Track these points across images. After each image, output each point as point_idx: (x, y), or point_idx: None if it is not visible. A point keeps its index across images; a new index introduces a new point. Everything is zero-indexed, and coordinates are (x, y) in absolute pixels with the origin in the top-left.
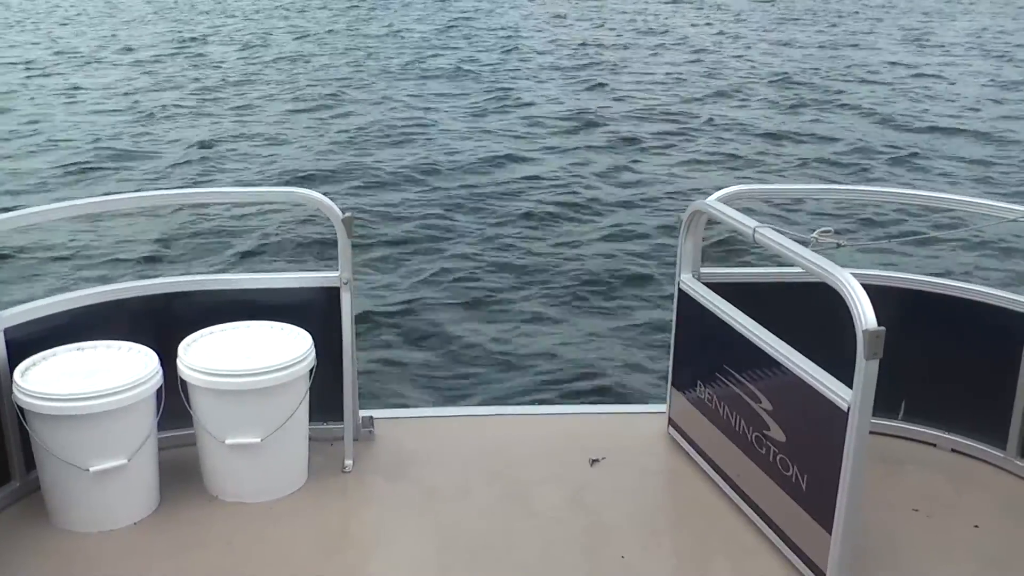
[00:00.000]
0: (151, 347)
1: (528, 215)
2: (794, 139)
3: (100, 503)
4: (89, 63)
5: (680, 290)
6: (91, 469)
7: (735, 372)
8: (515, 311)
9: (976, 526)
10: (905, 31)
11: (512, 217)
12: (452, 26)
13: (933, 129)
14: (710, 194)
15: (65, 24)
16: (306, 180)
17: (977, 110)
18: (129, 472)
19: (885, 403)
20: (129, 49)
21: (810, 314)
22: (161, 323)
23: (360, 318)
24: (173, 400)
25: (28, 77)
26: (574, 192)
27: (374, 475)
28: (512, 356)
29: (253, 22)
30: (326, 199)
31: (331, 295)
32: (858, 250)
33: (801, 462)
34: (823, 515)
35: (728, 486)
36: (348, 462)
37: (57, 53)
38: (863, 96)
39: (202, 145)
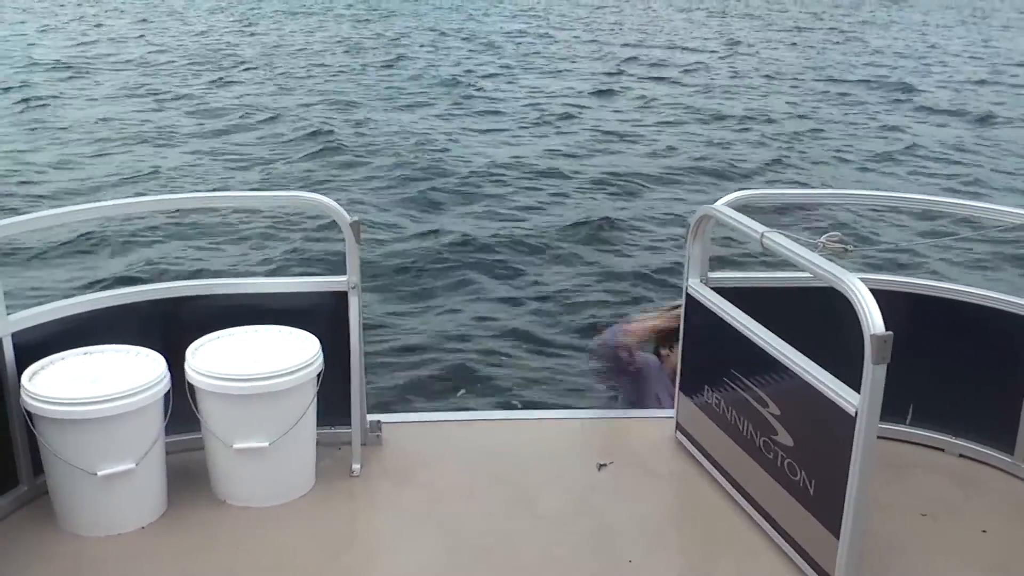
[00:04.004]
0: (159, 351)
1: (536, 220)
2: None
3: (108, 507)
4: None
5: (688, 295)
6: (99, 473)
7: (743, 377)
8: (523, 315)
9: (984, 531)
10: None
11: (520, 223)
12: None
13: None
14: (718, 198)
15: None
16: (315, 184)
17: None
18: (137, 476)
19: (893, 408)
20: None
21: (818, 319)
22: (169, 327)
23: (368, 322)
24: (181, 404)
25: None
26: (580, 196)
27: (381, 479)
28: (520, 360)
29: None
30: (334, 203)
31: (339, 299)
32: (866, 255)
33: (809, 466)
34: (831, 519)
35: (735, 490)
36: (356, 466)
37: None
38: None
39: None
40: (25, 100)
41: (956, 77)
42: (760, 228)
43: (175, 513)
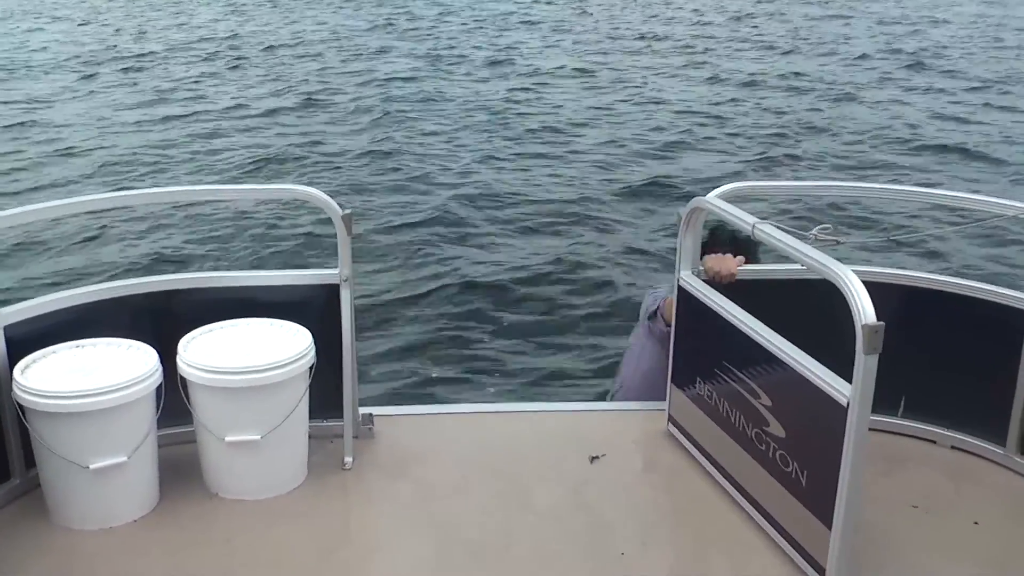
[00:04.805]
0: (151, 344)
1: (528, 213)
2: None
3: (100, 501)
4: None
5: (679, 287)
6: (91, 466)
7: (734, 368)
8: (515, 308)
9: (976, 523)
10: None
11: (513, 215)
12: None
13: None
14: (710, 190)
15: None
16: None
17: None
18: (129, 469)
19: (885, 400)
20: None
21: (810, 310)
22: (161, 320)
23: (360, 315)
24: (173, 397)
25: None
26: (574, 189)
27: (374, 472)
28: (512, 353)
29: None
30: (326, 196)
31: (331, 292)
32: (857, 247)
33: (801, 458)
34: (823, 511)
35: (728, 482)
36: (348, 459)
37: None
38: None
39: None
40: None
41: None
42: (751, 219)
43: (167, 506)
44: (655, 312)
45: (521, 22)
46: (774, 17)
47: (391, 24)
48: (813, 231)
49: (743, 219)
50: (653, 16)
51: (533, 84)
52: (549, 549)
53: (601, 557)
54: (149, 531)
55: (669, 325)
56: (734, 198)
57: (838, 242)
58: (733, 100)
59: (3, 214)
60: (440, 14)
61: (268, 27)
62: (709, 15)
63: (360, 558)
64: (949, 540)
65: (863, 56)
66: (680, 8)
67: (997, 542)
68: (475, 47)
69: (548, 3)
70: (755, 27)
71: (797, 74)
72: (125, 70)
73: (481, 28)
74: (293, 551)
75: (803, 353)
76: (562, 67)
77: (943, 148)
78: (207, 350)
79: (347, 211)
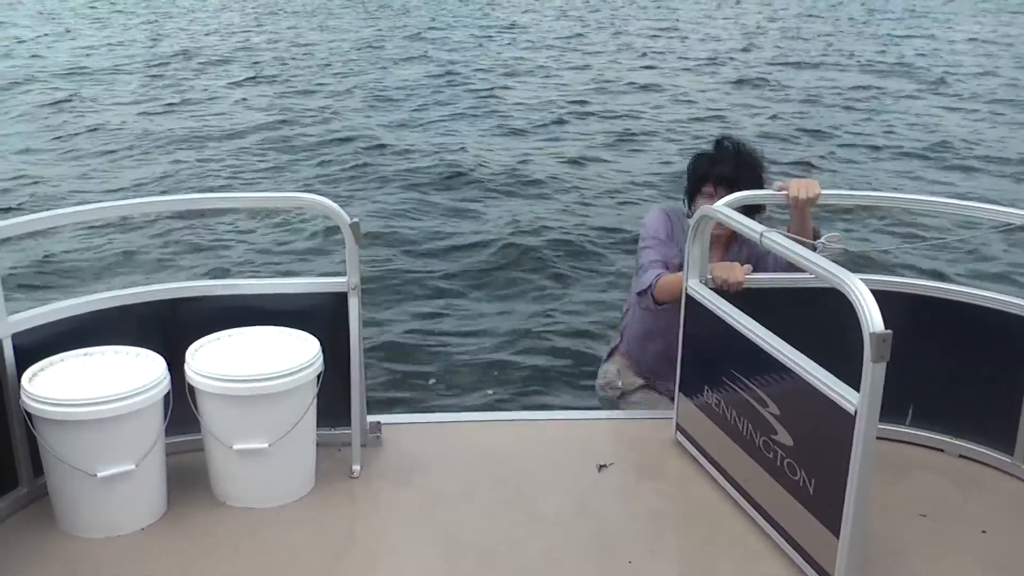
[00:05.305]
0: (159, 352)
1: (537, 221)
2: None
3: (107, 509)
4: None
5: (687, 295)
6: (98, 474)
7: (742, 377)
8: (525, 317)
9: (984, 532)
10: None
11: (520, 223)
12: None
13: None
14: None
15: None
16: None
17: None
18: (137, 478)
19: (893, 408)
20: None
21: (818, 319)
22: (169, 328)
23: (368, 323)
24: (181, 405)
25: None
26: (583, 197)
27: (381, 480)
28: (521, 362)
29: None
30: (334, 204)
31: (339, 300)
32: (866, 255)
33: (808, 466)
34: (831, 519)
35: (736, 491)
36: (355, 468)
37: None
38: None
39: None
40: (55, 103)
41: None
42: (759, 228)
43: (175, 514)
44: (646, 290)
45: (550, 36)
46: (791, 34)
47: (420, 37)
48: (821, 239)
49: (751, 227)
50: (672, 35)
51: (561, 97)
52: (556, 557)
53: (608, 565)
54: (156, 539)
55: (658, 304)
56: (742, 208)
57: (846, 250)
58: (774, 116)
59: (9, 222)
60: (465, 27)
61: (298, 35)
62: (734, 31)
63: (367, 566)
64: (957, 549)
65: (889, 72)
66: (697, 26)
67: (1005, 551)
68: (505, 61)
69: (559, 19)
70: (784, 44)
71: (835, 88)
72: (145, 78)
73: (510, 44)
74: (300, 559)
75: (811, 361)
76: (589, 82)
77: (972, 159)
78: (215, 358)
79: (355, 219)
